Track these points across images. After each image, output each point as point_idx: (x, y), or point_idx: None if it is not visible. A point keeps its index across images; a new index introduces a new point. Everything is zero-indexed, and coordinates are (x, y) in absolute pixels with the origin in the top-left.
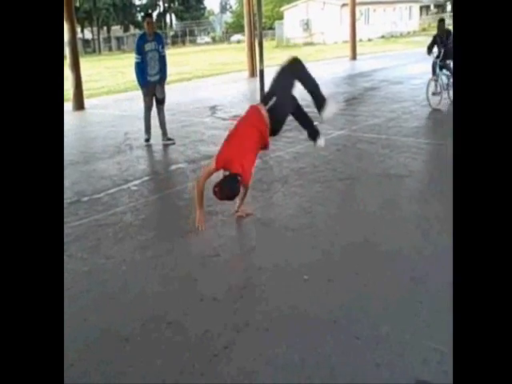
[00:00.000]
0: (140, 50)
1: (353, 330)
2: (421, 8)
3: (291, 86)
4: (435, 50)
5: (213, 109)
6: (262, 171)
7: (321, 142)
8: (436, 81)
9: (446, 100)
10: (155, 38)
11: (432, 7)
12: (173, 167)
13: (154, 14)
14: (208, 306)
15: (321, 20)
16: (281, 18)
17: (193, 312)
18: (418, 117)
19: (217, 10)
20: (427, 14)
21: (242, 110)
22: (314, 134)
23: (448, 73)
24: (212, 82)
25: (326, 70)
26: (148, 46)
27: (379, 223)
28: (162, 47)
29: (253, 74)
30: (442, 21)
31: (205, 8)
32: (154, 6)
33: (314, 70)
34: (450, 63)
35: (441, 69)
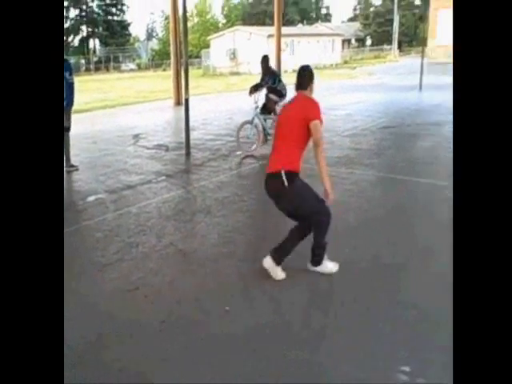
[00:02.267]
0: None
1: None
2: (343, 41)
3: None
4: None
5: (136, 137)
6: (185, 201)
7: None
8: (251, 123)
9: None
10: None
11: (353, 41)
12: (91, 198)
13: (77, 39)
14: (125, 343)
15: (247, 50)
16: (208, 46)
17: (110, 349)
18: (339, 147)
19: (143, 36)
20: (349, 47)
21: (165, 138)
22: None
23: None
24: (137, 109)
25: (249, 100)
26: None
27: (303, 248)
28: (70, 74)
29: (178, 103)
30: (265, 58)
31: (130, 34)
32: (77, 30)
33: (237, 99)
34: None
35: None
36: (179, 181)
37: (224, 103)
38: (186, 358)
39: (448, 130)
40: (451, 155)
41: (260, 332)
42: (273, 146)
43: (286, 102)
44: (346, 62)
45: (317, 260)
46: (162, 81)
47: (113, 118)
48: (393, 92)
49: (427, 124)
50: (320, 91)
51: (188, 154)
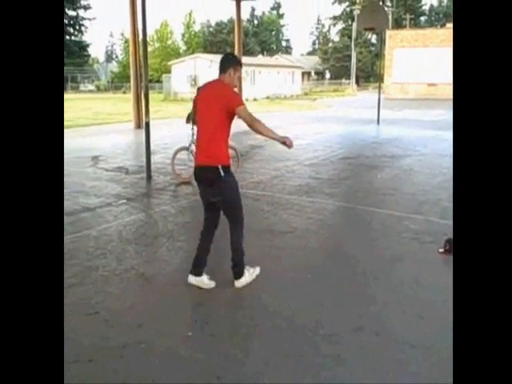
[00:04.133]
0: None
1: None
2: (303, 74)
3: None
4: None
5: (95, 159)
6: (146, 225)
7: (245, 279)
8: (187, 149)
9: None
10: None
11: (313, 74)
12: None
13: None
14: (83, 368)
15: (208, 77)
16: (169, 71)
17: (69, 373)
18: (300, 175)
19: (102, 58)
20: (308, 79)
21: (125, 161)
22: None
23: None
24: (95, 131)
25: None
26: None
27: (261, 276)
28: None
29: (139, 126)
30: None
31: (89, 55)
32: None
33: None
34: None
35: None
36: (140, 204)
37: (184, 128)
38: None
39: (405, 162)
40: (409, 187)
41: (222, 358)
42: (198, 134)
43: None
44: (306, 94)
45: (237, 271)
46: (122, 103)
47: (70, 139)
48: (352, 124)
49: (385, 156)
50: (282, 121)
51: (149, 177)
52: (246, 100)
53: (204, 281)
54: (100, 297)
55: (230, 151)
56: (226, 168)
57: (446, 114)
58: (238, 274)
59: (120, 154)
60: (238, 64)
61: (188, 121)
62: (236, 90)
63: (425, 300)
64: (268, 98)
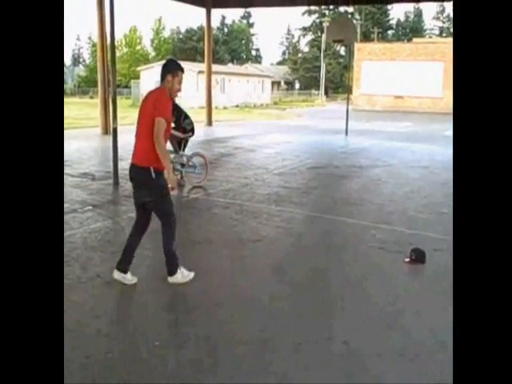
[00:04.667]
0: None
1: None
2: (272, 83)
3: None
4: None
5: None
6: (112, 232)
7: (177, 277)
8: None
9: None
10: None
11: (282, 84)
12: None
13: None
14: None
15: None
16: (137, 77)
17: None
18: (269, 184)
19: (68, 61)
20: (278, 89)
21: (92, 167)
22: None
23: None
24: None
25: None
26: None
27: (227, 284)
28: None
29: (106, 132)
30: None
31: None
32: None
33: None
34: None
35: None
36: (106, 211)
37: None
38: None
39: (373, 173)
40: (377, 196)
41: (191, 367)
42: (135, 136)
43: (191, 137)
44: (275, 103)
45: (170, 270)
46: (89, 108)
47: None
48: (321, 135)
49: (353, 166)
50: (250, 130)
51: (116, 183)
52: (216, 108)
53: (127, 277)
54: (63, 306)
55: (199, 159)
56: (158, 171)
57: (413, 126)
58: (171, 273)
59: (86, 159)
60: (175, 69)
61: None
62: (179, 93)
63: (391, 310)
64: (237, 106)
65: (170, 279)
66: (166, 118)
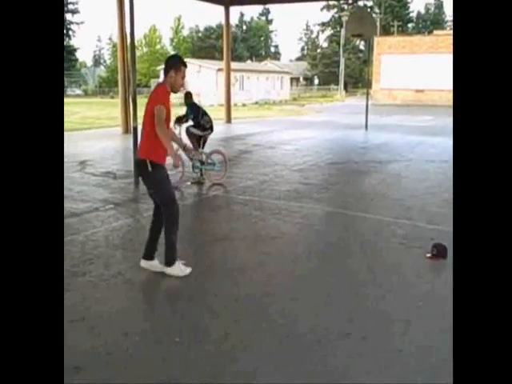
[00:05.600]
0: None
1: None
2: (291, 79)
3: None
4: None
5: (82, 164)
6: (133, 230)
7: (175, 269)
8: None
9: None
10: None
11: (301, 80)
12: None
13: None
14: (69, 376)
15: (197, 82)
16: (157, 76)
17: None
18: (289, 181)
19: (90, 62)
20: (297, 85)
21: (113, 165)
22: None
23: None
24: (83, 136)
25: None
26: None
27: (248, 281)
28: None
29: (127, 131)
30: (188, 94)
31: (77, 60)
32: None
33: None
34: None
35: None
36: (128, 209)
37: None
38: None
39: (393, 168)
40: (397, 192)
41: (211, 364)
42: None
43: (210, 135)
44: (294, 99)
45: (167, 261)
46: (110, 108)
47: None
48: (340, 130)
49: (373, 162)
50: (269, 126)
51: (137, 182)
52: (235, 105)
53: (155, 264)
54: (86, 303)
55: (218, 156)
56: (156, 164)
57: (434, 120)
58: (168, 264)
59: (107, 158)
60: (178, 64)
61: (177, 123)
62: (185, 89)
63: (412, 305)
64: (257, 103)
65: (168, 270)
66: (165, 105)
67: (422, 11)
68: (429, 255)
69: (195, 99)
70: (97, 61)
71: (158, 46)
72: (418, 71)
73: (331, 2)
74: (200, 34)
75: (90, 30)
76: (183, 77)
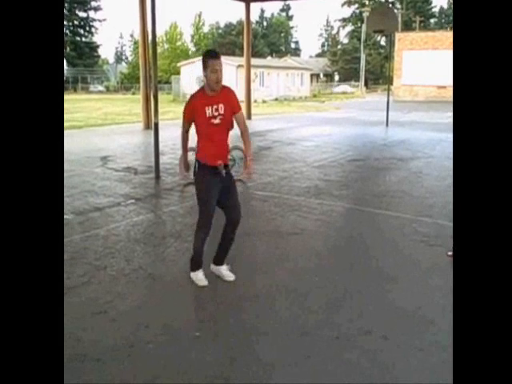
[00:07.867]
0: None
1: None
2: (311, 76)
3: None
4: None
5: (104, 159)
6: (154, 225)
7: (192, 276)
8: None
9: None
10: None
11: (321, 76)
12: None
13: None
14: (91, 368)
15: None
16: (178, 73)
17: (73, 375)
18: (308, 177)
19: (112, 59)
20: (317, 81)
21: (134, 161)
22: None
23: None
24: (105, 131)
25: None
26: None
27: (266, 278)
28: None
29: (148, 127)
30: None
31: (99, 56)
32: None
33: None
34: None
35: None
36: (149, 204)
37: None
38: None
39: (414, 165)
40: (418, 189)
41: (229, 359)
42: None
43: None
44: (314, 96)
45: (190, 266)
46: (131, 104)
47: (80, 139)
48: (360, 127)
49: (394, 159)
50: (289, 123)
51: (157, 177)
52: (255, 101)
53: (222, 270)
54: (108, 296)
55: (238, 152)
56: (200, 164)
57: None
58: (190, 268)
59: (129, 154)
60: (204, 60)
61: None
62: (211, 82)
63: (433, 303)
64: (277, 99)
65: (191, 274)
66: (184, 111)
67: (445, 6)
68: (450, 253)
69: None
70: (119, 57)
71: (179, 43)
72: (441, 67)
73: None
74: (220, 31)
75: (112, 27)
76: (212, 70)
